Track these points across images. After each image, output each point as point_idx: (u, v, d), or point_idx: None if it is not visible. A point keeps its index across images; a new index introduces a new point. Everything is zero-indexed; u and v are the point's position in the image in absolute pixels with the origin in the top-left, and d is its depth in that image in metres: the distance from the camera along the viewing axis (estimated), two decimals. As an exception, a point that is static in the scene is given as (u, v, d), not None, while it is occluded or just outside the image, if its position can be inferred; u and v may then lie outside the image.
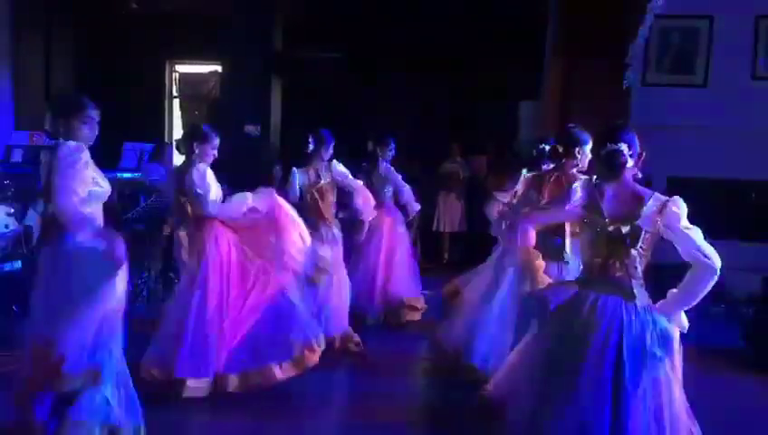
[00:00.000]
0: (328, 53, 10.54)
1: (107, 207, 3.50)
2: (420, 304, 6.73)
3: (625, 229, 2.96)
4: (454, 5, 10.12)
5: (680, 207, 2.97)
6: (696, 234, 2.98)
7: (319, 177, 5.61)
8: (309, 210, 5.50)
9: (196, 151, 4.62)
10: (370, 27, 10.15)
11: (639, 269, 3.01)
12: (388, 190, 6.69)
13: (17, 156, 8.41)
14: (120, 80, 10.33)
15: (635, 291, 2.99)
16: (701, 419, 4.43)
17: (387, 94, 10.21)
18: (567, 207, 3.11)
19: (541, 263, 3.28)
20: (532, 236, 3.27)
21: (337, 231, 5.71)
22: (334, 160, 5.70)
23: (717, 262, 2.96)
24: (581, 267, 3.16)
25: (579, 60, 8.11)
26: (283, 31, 11.07)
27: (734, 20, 8.77)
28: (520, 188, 4.83)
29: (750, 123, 8.63)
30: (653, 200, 2.97)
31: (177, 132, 12.03)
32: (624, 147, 3.00)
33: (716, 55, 8.86)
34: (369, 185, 6.22)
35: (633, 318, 2.94)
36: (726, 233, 8.89)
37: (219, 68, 11.51)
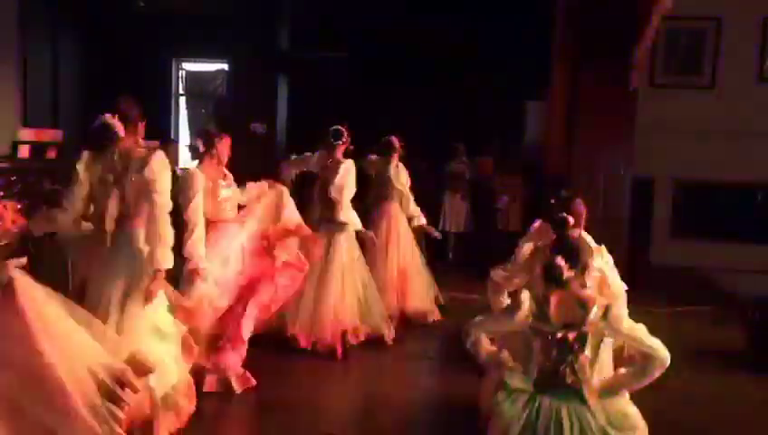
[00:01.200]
0: (334, 53, 10.55)
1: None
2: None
3: (572, 336, 3.03)
4: (460, 5, 10.12)
5: (621, 308, 3.07)
6: (641, 332, 3.08)
7: (335, 172, 5.66)
8: (322, 204, 5.67)
9: (213, 153, 4.64)
10: (376, 27, 10.15)
11: (589, 372, 3.06)
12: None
13: (24, 152, 8.44)
14: (126, 77, 10.33)
15: (586, 395, 3.05)
16: (706, 421, 4.45)
17: (392, 94, 10.21)
18: (515, 318, 3.11)
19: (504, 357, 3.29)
20: (486, 344, 3.28)
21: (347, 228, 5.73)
22: (349, 161, 5.73)
23: (666, 354, 3.06)
24: (535, 370, 3.15)
25: (585, 60, 8.09)
26: (289, 30, 11.09)
27: (742, 22, 8.76)
28: (521, 256, 4.21)
29: (756, 125, 8.63)
30: (596, 306, 3.04)
31: (184, 130, 12.06)
32: (560, 259, 3.05)
33: (723, 57, 8.85)
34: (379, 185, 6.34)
35: (592, 423, 3.02)
36: (732, 235, 8.91)
37: (226, 66, 11.54)
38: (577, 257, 3.10)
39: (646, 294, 7.78)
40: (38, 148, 8.50)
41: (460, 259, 9.67)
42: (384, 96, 10.20)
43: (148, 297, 3.63)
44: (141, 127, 3.86)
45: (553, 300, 3.06)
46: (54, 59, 10.52)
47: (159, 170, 3.63)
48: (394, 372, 5.42)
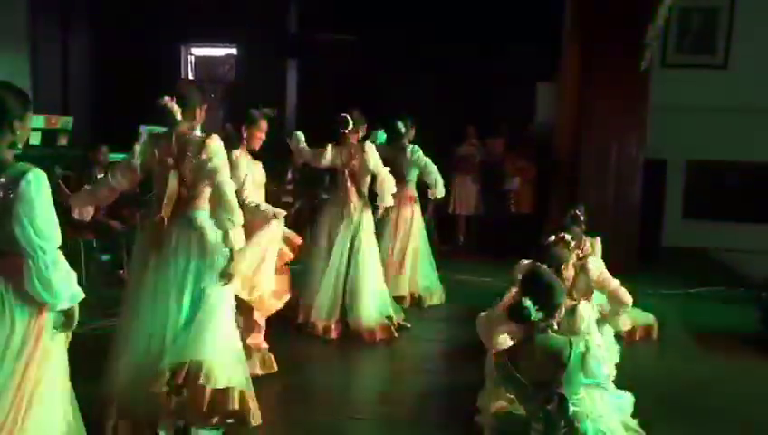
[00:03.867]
0: (344, 36, 10.51)
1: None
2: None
3: (552, 407, 2.90)
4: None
5: (599, 359, 2.93)
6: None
7: (352, 157, 5.62)
8: (339, 189, 5.66)
9: (244, 135, 4.64)
10: (386, 10, 10.09)
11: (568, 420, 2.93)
12: (413, 175, 6.66)
13: (35, 139, 8.46)
14: (135, 63, 10.34)
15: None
16: (718, 402, 4.44)
17: (402, 77, 10.17)
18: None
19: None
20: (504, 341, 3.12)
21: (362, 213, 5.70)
22: (367, 143, 5.70)
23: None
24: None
25: (596, 41, 8.02)
26: (299, 14, 11.04)
27: (755, 1, 8.65)
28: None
29: (770, 104, 8.55)
30: (572, 356, 2.90)
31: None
32: (528, 302, 2.93)
33: (737, 36, 8.75)
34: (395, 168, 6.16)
35: None
36: (745, 216, 8.84)
37: (235, 51, 11.52)
38: (547, 298, 2.98)
39: (658, 275, 7.77)
40: (49, 134, 8.53)
41: (470, 242, 9.65)
42: (394, 79, 10.16)
43: (227, 278, 3.58)
44: (201, 113, 3.72)
45: (524, 353, 2.97)
46: (64, 45, 10.54)
47: (218, 153, 3.57)
48: (403, 356, 5.42)
